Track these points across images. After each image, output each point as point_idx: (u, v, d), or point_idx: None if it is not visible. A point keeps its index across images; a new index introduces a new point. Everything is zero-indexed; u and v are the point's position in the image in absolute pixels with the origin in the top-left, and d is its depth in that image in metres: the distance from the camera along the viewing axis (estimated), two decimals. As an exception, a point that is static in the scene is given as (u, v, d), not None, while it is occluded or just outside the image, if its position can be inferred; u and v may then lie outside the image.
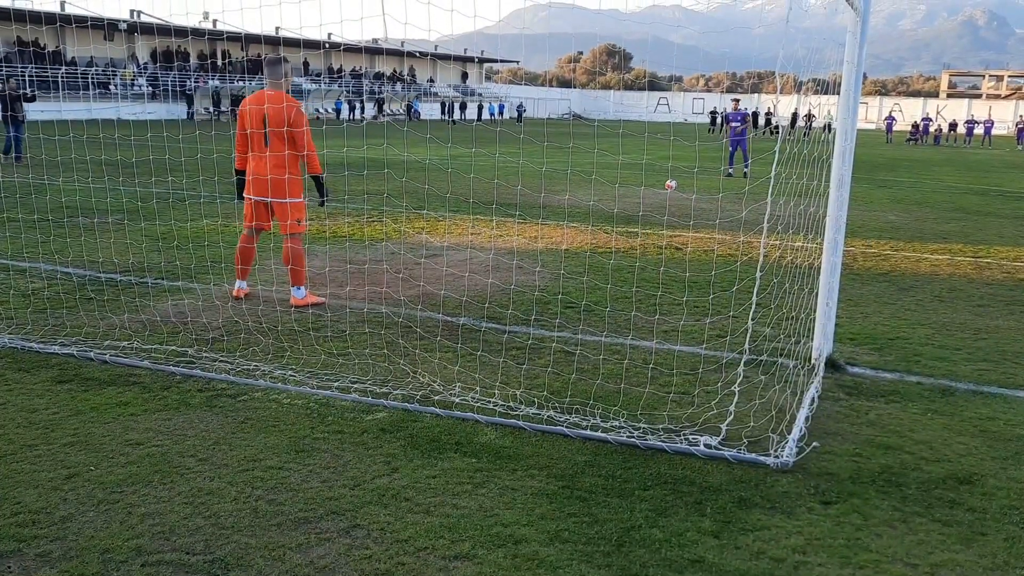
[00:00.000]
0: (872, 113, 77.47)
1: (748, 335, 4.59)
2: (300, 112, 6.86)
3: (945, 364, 6.05)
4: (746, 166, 19.91)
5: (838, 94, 5.61)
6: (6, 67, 39.09)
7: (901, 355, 6.24)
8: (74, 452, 4.17)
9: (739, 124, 21.98)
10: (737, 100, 24.80)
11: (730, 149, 22.16)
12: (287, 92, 6.95)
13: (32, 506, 3.63)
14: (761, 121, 48.24)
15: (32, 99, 20.68)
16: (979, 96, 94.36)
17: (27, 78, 37.06)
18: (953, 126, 56.58)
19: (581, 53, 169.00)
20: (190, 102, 45.79)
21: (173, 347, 5.81)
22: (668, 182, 16.75)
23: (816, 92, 5.63)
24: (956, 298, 8.24)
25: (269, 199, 6.91)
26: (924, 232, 12.91)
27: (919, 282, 8.97)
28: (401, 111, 58.50)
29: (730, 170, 21.45)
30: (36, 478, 3.89)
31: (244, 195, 7.10)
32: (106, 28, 44.88)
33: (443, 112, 55.99)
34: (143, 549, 3.32)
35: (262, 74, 7.14)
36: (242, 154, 7.07)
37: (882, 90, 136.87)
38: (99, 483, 3.85)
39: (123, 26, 46.10)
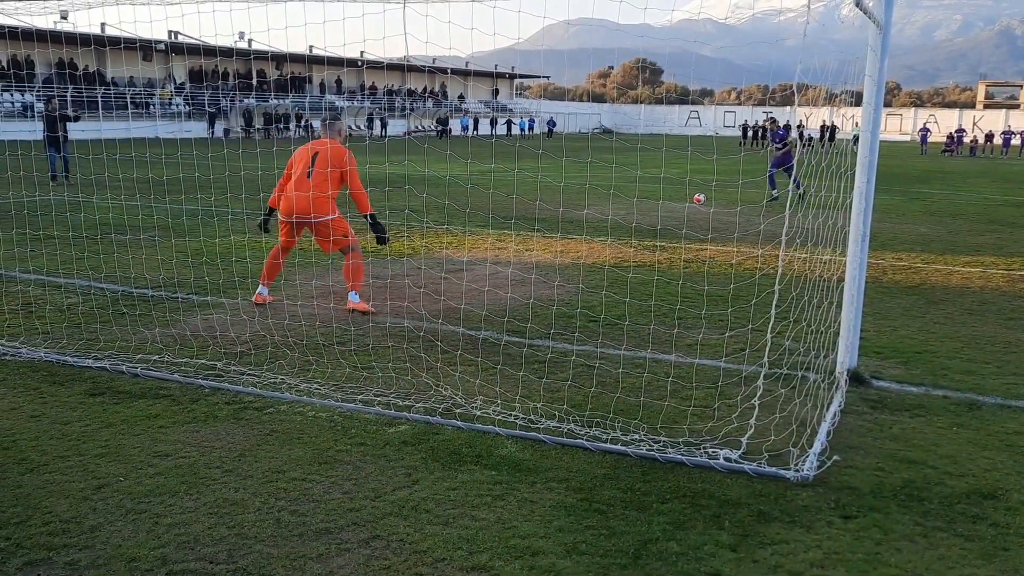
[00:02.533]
0: (907, 125, 76.62)
1: (768, 348, 4.58)
2: (351, 156, 7.25)
3: (973, 378, 5.99)
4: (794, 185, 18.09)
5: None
6: (43, 87, 40.11)
7: (928, 369, 6.19)
8: (104, 463, 4.28)
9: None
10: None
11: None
12: (342, 142, 7.42)
13: (63, 516, 3.73)
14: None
15: (76, 119, 20.93)
16: (1017, 106, 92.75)
17: (68, 98, 37.95)
18: (989, 137, 55.72)
19: (611, 68, 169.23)
20: (212, 120, 46.34)
21: (202, 361, 5.93)
22: (696, 196, 16.71)
23: (851, 104, 5.64)
24: (987, 311, 8.13)
25: (311, 217, 7.17)
26: (956, 245, 12.75)
27: (949, 295, 8.87)
28: (432, 127, 59.03)
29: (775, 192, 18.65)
30: (67, 488, 4.00)
31: (281, 217, 7.36)
32: (141, 49, 45.79)
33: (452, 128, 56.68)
34: (168, 558, 3.40)
35: (322, 127, 7.59)
36: (278, 193, 7.38)
37: (917, 101, 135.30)
38: (128, 494, 3.95)
39: (161, 46, 47.04)
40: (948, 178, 29.08)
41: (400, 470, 4.26)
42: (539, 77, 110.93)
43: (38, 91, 40.81)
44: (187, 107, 48.88)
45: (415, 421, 4.90)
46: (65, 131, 19.61)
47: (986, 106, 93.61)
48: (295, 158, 7.37)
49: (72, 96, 39.49)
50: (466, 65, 70.70)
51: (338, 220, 7.31)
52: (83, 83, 41.19)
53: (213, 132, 45.55)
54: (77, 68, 44.06)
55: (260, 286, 7.65)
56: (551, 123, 64.21)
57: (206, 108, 47.89)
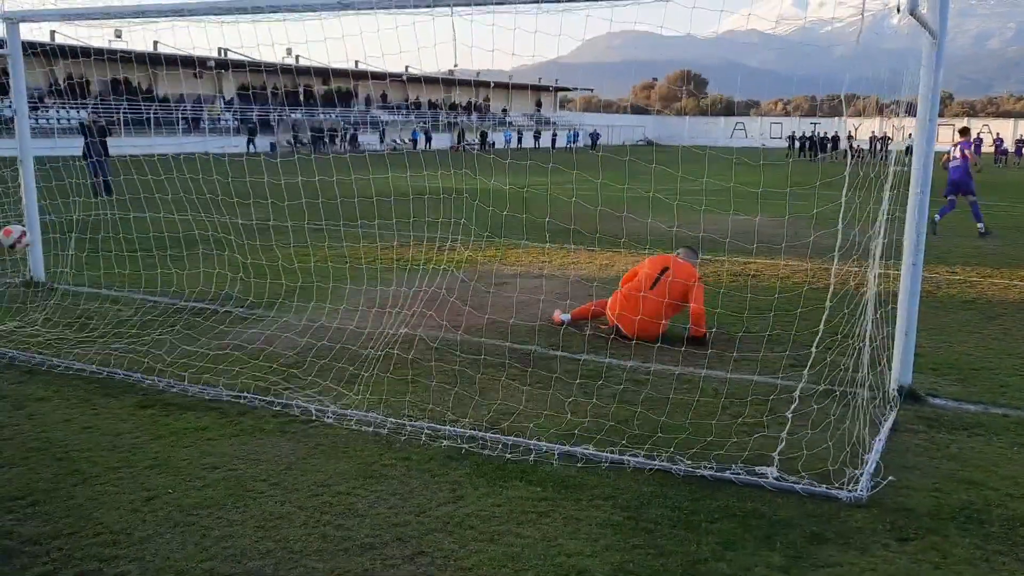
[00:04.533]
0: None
1: (821, 365, 4.48)
2: (699, 284, 7.24)
3: (1034, 396, 5.79)
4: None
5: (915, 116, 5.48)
6: (97, 104, 41.11)
7: (986, 386, 6.00)
8: (154, 475, 4.33)
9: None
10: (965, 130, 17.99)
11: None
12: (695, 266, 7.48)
13: (113, 527, 3.78)
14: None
15: (109, 132, 20.84)
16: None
17: (121, 116, 38.85)
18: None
19: (656, 79, 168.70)
20: (251, 135, 46.64)
21: (250, 374, 5.97)
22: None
23: (901, 114, 5.52)
24: (1047, 327, 7.87)
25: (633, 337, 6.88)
26: (1014, 257, 12.39)
27: (1007, 310, 8.61)
28: (476, 141, 59.36)
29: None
30: (118, 500, 4.05)
31: (608, 311, 7.36)
32: (191, 66, 46.70)
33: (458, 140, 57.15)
34: (215, 571, 3.42)
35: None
36: (624, 283, 7.49)
37: (970, 111, 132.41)
38: (176, 506, 3.99)
39: (211, 63, 47.98)
40: (1004, 189, 28.35)
41: (445, 485, 4.24)
42: (583, 89, 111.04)
43: (93, 108, 41.84)
44: (235, 123, 49.76)
45: (460, 436, 4.89)
46: (104, 144, 19.34)
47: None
48: (652, 260, 7.44)
49: (125, 114, 40.43)
50: (509, 79, 71.03)
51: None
52: (134, 100, 42.08)
53: (254, 147, 45.57)
54: (131, 85, 45.08)
55: (566, 313, 7.68)
56: (595, 135, 64.16)
57: (247, 124, 48.53)
